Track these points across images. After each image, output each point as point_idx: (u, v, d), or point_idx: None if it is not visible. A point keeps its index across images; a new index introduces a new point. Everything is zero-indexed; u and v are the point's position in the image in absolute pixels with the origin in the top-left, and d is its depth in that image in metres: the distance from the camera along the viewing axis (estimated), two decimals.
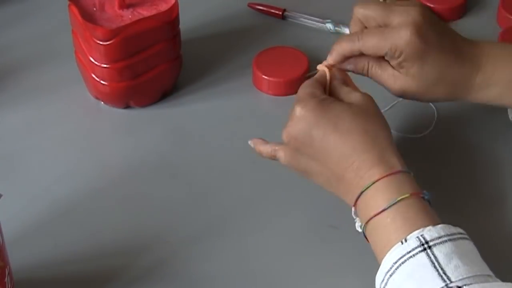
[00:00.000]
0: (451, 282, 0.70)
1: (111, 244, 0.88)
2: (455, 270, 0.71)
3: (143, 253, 0.87)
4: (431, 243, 0.72)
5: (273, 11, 1.18)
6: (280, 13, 1.18)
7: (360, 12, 0.89)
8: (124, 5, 1.00)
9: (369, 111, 0.82)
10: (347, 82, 0.88)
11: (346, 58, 0.88)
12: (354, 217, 0.82)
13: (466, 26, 1.15)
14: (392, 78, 0.88)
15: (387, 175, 0.78)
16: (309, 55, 1.08)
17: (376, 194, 0.78)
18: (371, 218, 0.77)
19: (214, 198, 0.93)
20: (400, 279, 0.72)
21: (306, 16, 1.17)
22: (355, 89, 0.87)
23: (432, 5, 1.16)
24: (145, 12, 1.00)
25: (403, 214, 0.76)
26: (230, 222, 0.90)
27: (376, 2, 0.90)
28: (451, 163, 0.96)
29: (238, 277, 0.85)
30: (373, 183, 0.78)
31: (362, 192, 0.79)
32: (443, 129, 1.00)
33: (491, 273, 0.73)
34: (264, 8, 1.19)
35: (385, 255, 0.75)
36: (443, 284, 0.70)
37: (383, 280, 0.74)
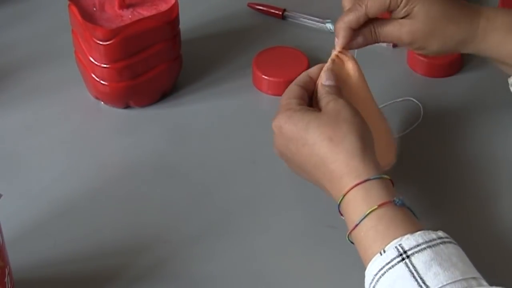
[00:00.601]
0: None
1: (111, 243, 0.88)
2: (434, 278, 0.70)
3: (143, 252, 0.87)
4: (409, 252, 0.71)
5: (273, 11, 1.18)
6: (280, 13, 1.18)
7: None
8: (124, 5, 1.00)
9: (338, 118, 0.81)
10: (337, 90, 0.87)
11: (353, 31, 0.89)
12: None
13: None
14: (399, 26, 0.89)
15: (354, 186, 0.77)
16: (309, 55, 1.08)
17: (348, 208, 0.78)
18: (349, 233, 0.78)
19: (214, 198, 0.93)
20: None
21: (306, 16, 1.17)
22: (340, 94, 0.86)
23: None
24: (145, 12, 1.00)
25: (374, 227, 0.75)
26: (230, 222, 0.90)
27: None
28: (438, 162, 0.97)
29: (238, 276, 0.85)
30: (343, 196, 0.78)
31: (339, 206, 0.79)
32: (429, 128, 1.00)
33: (477, 274, 0.72)
34: (264, 8, 1.19)
35: (366, 264, 0.74)
36: None
37: None
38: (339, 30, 0.89)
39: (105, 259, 0.86)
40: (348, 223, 0.78)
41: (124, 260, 0.86)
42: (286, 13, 1.18)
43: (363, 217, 0.76)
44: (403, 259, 0.71)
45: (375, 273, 0.73)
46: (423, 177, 0.94)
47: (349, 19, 0.89)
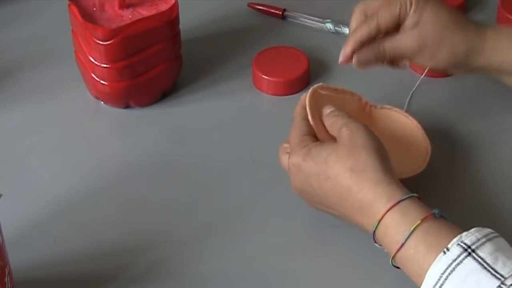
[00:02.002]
0: (504, 278, 0.70)
1: (111, 244, 0.88)
2: (504, 267, 0.71)
3: (143, 253, 0.87)
4: (473, 247, 0.72)
5: (273, 11, 1.18)
6: (280, 13, 1.18)
7: (361, 7, 0.92)
8: (124, 5, 1.00)
9: (355, 146, 0.81)
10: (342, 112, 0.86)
11: (363, 44, 0.90)
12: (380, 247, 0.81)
13: None
14: (408, 37, 0.91)
15: (389, 209, 0.77)
16: (309, 55, 1.08)
17: (387, 232, 0.78)
18: (394, 254, 0.77)
19: (213, 198, 0.93)
20: (453, 287, 0.72)
21: (306, 16, 1.17)
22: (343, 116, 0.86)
23: None
24: (145, 12, 1.00)
25: (424, 240, 0.75)
26: (229, 222, 0.90)
27: None
28: (438, 161, 0.97)
29: (238, 276, 0.85)
30: (379, 222, 0.78)
31: (374, 233, 0.79)
32: (429, 127, 1.00)
33: None
34: (264, 8, 1.19)
35: (423, 279, 0.74)
36: (498, 283, 0.70)
37: None
38: (350, 41, 0.91)
39: (105, 259, 0.86)
40: (390, 246, 0.78)
41: (124, 260, 0.86)
42: (286, 13, 1.18)
43: (408, 235, 0.76)
44: (469, 253, 0.72)
45: (442, 271, 0.72)
46: (424, 177, 0.94)
47: (361, 33, 0.90)
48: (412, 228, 0.75)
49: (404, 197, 0.78)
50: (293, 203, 0.92)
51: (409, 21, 0.91)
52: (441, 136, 0.99)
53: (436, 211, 0.77)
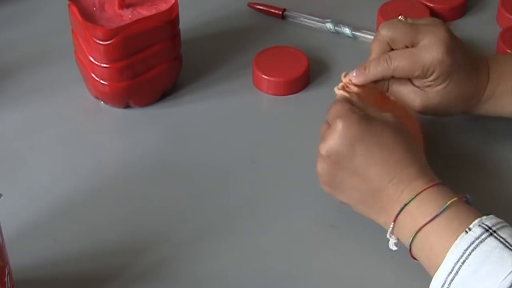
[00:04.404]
0: None
1: (111, 244, 0.88)
2: None
3: (143, 253, 0.87)
4: (494, 228, 0.76)
5: (273, 10, 1.18)
6: (280, 12, 1.18)
7: (387, 34, 0.91)
8: (124, 5, 1.00)
9: (404, 130, 0.84)
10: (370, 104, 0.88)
11: (374, 82, 0.91)
12: (389, 236, 0.82)
13: (466, 26, 1.15)
14: (413, 94, 0.91)
15: (429, 187, 0.80)
16: (309, 55, 1.08)
17: (422, 205, 0.80)
18: (421, 228, 0.79)
19: (214, 198, 0.93)
20: (476, 262, 0.74)
21: (306, 16, 1.17)
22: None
23: (432, 5, 1.16)
24: (145, 12, 1.00)
25: (458, 215, 0.78)
26: (229, 222, 0.90)
27: (401, 23, 0.91)
28: (438, 159, 0.97)
29: (238, 277, 0.85)
30: (417, 194, 0.80)
31: (405, 205, 0.80)
32: (429, 125, 1.00)
33: None
34: (264, 8, 1.19)
35: (445, 255, 0.76)
36: None
37: (451, 271, 0.75)
38: (361, 76, 0.90)
39: (105, 259, 0.86)
40: (419, 219, 0.79)
41: (124, 260, 0.86)
42: (286, 13, 1.18)
43: (445, 207, 0.78)
44: (491, 233, 0.75)
45: (465, 248, 0.75)
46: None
47: (375, 73, 0.89)
48: (449, 202, 0.79)
49: (442, 183, 0.82)
50: (293, 203, 0.92)
51: (421, 83, 0.90)
52: (441, 133, 1.00)
53: (468, 196, 0.81)
